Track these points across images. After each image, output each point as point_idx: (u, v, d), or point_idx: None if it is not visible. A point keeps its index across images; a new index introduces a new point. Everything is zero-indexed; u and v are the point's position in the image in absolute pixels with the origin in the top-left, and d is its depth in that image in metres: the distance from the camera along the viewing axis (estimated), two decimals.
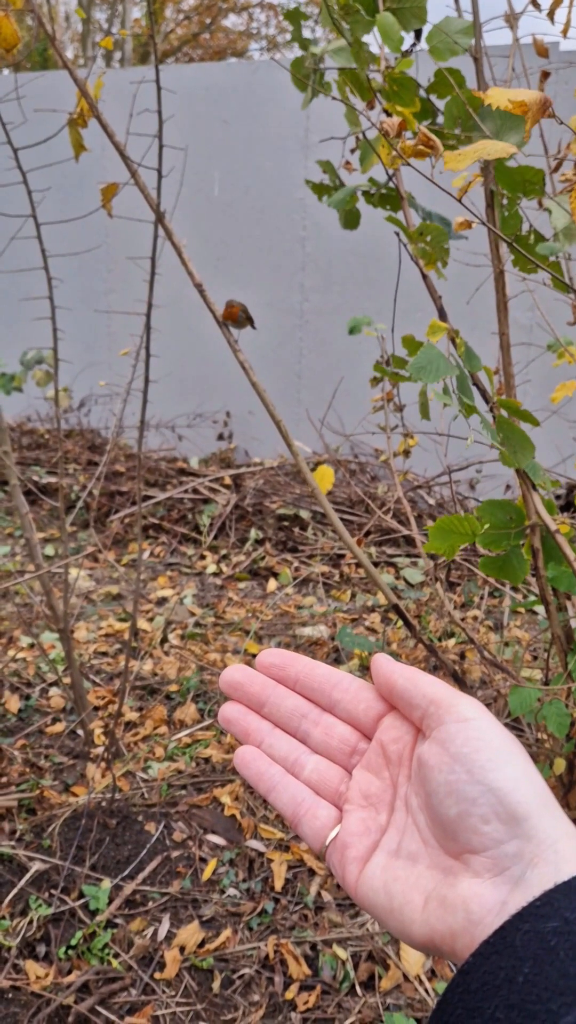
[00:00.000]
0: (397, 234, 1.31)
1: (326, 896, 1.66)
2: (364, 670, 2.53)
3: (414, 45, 1.30)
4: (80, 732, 2.14)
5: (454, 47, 1.20)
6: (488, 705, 2.06)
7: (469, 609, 2.93)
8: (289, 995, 1.44)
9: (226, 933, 1.56)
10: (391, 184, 1.44)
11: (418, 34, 1.31)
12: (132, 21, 13.38)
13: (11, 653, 2.60)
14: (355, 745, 0.44)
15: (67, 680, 2.25)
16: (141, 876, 1.67)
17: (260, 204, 4.42)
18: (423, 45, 1.30)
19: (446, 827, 0.36)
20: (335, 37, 1.35)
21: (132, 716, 2.25)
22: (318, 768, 0.44)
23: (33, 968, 1.46)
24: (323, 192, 1.52)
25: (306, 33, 1.41)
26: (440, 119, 1.33)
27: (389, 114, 1.23)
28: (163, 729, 2.20)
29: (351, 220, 1.55)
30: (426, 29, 1.28)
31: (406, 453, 2.06)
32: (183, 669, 2.53)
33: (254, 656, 2.64)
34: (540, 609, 2.74)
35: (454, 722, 0.38)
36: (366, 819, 0.41)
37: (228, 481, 4.03)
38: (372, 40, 1.26)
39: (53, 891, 1.61)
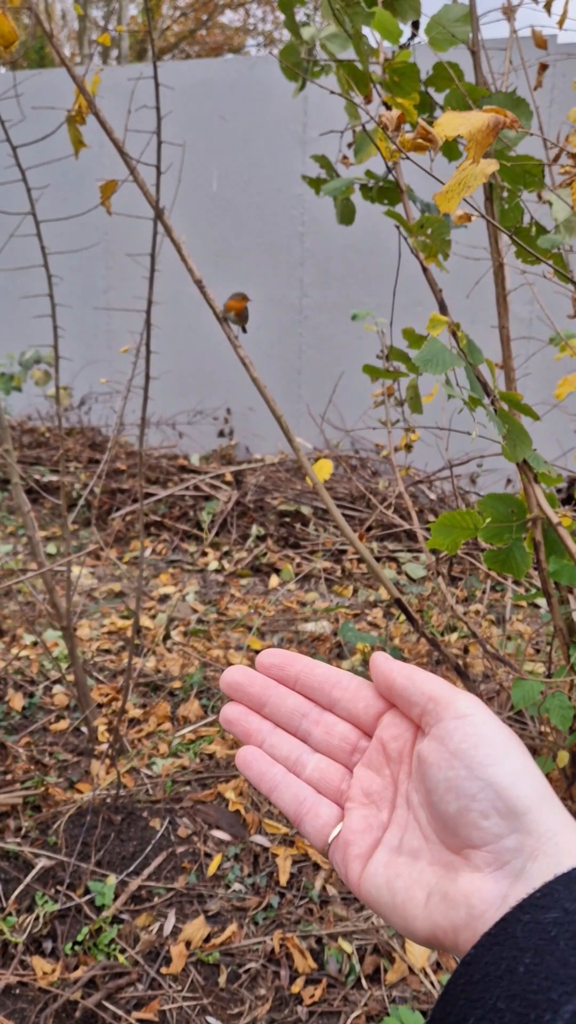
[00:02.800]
0: (397, 227, 1.31)
1: (331, 890, 1.66)
2: (367, 665, 2.53)
3: (412, 37, 1.30)
4: (84, 729, 2.15)
5: (453, 38, 1.20)
6: (491, 699, 2.06)
7: (471, 603, 2.93)
8: (295, 989, 1.45)
9: (232, 928, 1.56)
10: (390, 177, 1.44)
11: (415, 26, 1.31)
12: (129, 18, 13.34)
13: (14, 651, 2.61)
14: (356, 743, 0.44)
15: (70, 678, 2.26)
16: (146, 872, 1.68)
17: (258, 200, 4.42)
18: (421, 38, 1.29)
19: (447, 823, 0.37)
20: (332, 25, 1.35)
21: (136, 713, 2.25)
22: (319, 767, 0.44)
23: (40, 964, 1.47)
24: (319, 185, 1.51)
25: (302, 21, 1.39)
26: (439, 113, 1.33)
27: (388, 107, 1.23)
28: (167, 726, 2.21)
29: (347, 215, 1.55)
30: (423, 21, 1.27)
31: (407, 448, 2.06)
32: (186, 666, 2.53)
33: (257, 652, 2.64)
34: (542, 602, 2.74)
35: (452, 718, 0.38)
36: (368, 816, 0.42)
37: (229, 478, 4.03)
38: (370, 32, 1.25)
39: (59, 887, 1.62)
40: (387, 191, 1.47)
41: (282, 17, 1.39)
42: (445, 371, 1.02)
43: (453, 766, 0.36)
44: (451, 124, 0.87)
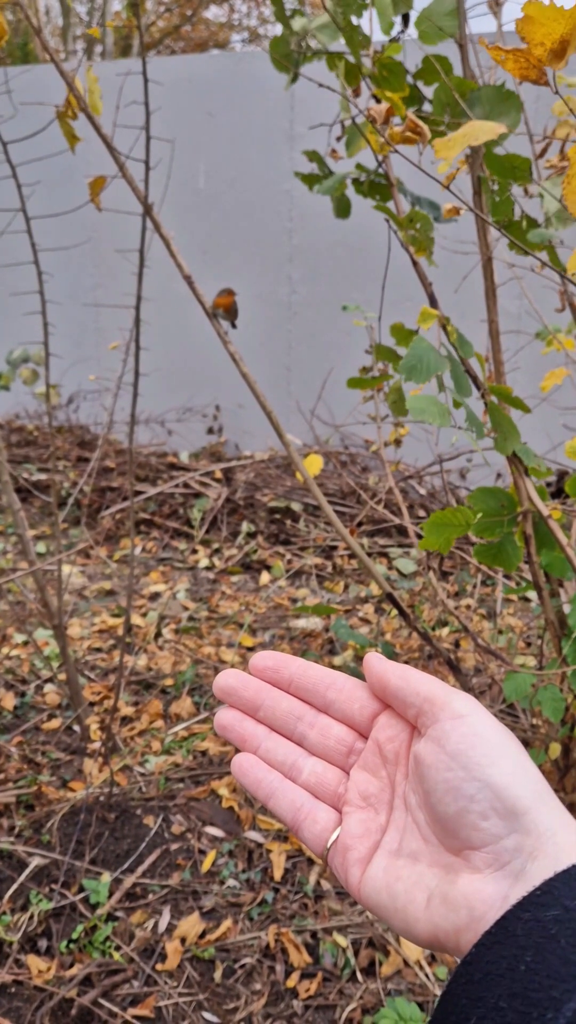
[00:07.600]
0: (387, 221, 1.31)
1: (325, 884, 1.66)
2: (359, 660, 2.54)
3: (403, 31, 1.30)
4: (76, 728, 2.14)
5: (442, 31, 1.20)
6: (483, 692, 2.07)
7: (462, 598, 2.94)
8: (291, 983, 1.45)
9: (227, 923, 1.56)
10: (380, 171, 1.43)
11: (405, 19, 1.30)
12: (113, 14, 13.26)
13: (5, 650, 2.60)
14: (351, 745, 0.43)
15: (62, 676, 2.25)
16: (141, 869, 1.68)
17: (246, 196, 4.40)
18: (411, 31, 1.29)
19: (446, 824, 0.36)
20: (317, 14, 1.34)
21: (128, 711, 2.25)
22: (316, 771, 0.43)
23: (35, 962, 1.46)
24: (313, 181, 1.51)
25: (293, 8, 1.38)
26: (427, 106, 1.33)
27: (378, 100, 1.23)
28: (159, 723, 2.20)
29: (343, 209, 1.55)
30: (413, 15, 1.27)
31: (397, 443, 2.06)
32: (178, 663, 2.53)
33: (249, 649, 2.64)
34: (533, 596, 2.75)
35: (449, 719, 0.38)
36: (366, 820, 0.41)
37: (219, 475, 4.02)
38: (362, 21, 1.25)
39: (53, 886, 1.62)
40: (377, 186, 1.47)
41: (267, 13, 1.38)
42: (430, 378, 1.02)
43: (451, 767, 0.36)
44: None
